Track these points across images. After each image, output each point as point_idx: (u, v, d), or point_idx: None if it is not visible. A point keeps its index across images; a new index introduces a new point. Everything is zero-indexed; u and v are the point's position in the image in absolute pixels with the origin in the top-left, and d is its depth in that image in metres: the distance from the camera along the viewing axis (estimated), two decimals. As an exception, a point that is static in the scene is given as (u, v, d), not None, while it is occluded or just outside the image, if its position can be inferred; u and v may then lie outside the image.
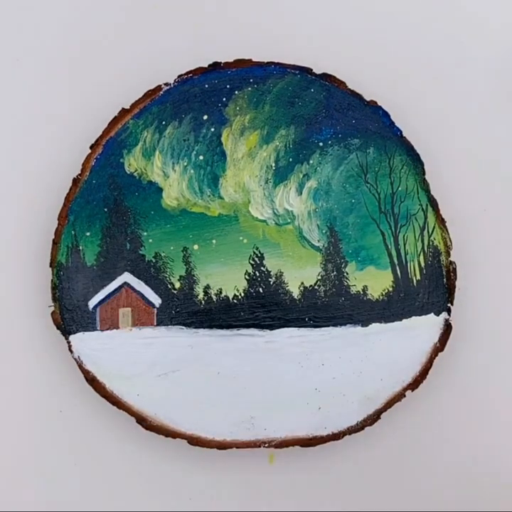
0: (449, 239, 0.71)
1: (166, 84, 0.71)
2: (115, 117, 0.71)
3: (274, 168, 0.71)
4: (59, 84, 0.74)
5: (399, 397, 0.71)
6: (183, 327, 0.71)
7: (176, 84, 0.71)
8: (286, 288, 0.71)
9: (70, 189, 0.71)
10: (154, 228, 0.71)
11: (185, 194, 0.71)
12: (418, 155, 0.71)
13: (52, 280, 0.70)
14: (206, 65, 0.71)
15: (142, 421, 0.70)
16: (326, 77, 0.71)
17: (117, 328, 0.71)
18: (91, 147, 0.71)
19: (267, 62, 0.71)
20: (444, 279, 0.71)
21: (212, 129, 0.71)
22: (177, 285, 0.71)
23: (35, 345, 0.73)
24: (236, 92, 0.71)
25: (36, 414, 0.73)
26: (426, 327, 0.71)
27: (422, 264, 0.71)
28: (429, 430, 0.73)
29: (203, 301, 0.71)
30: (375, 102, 0.71)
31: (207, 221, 0.71)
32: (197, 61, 0.71)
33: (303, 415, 0.71)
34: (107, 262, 0.71)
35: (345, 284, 0.71)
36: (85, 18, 0.74)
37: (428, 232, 0.71)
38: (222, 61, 0.71)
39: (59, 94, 0.74)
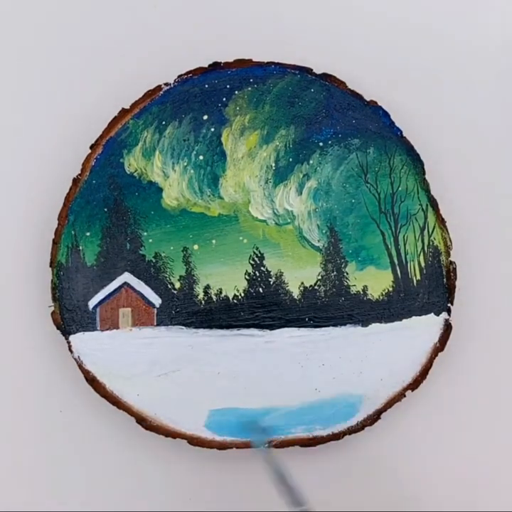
0: (449, 239, 0.71)
1: (166, 84, 0.71)
2: (115, 117, 0.71)
3: (274, 168, 0.71)
4: (59, 85, 0.74)
5: (399, 397, 0.71)
6: (183, 327, 0.71)
7: (175, 84, 0.71)
8: (286, 288, 0.71)
9: (70, 189, 0.71)
10: (154, 228, 0.71)
11: (185, 194, 0.71)
12: (418, 155, 0.71)
13: (52, 280, 0.70)
14: (206, 65, 0.71)
15: (142, 421, 0.70)
16: (326, 77, 0.71)
17: (117, 328, 0.71)
18: (91, 147, 0.71)
19: (267, 62, 0.71)
20: (444, 279, 0.71)
21: (212, 129, 0.71)
22: (177, 285, 0.71)
23: (35, 345, 0.73)
24: (236, 92, 0.71)
25: (36, 414, 0.73)
26: (426, 327, 0.71)
27: (422, 264, 0.71)
28: (429, 430, 0.73)
29: (203, 301, 0.71)
30: (375, 102, 0.71)
31: (207, 221, 0.71)
32: (197, 61, 0.71)
33: (303, 415, 0.71)
34: (107, 262, 0.71)
35: (346, 284, 0.71)
36: (85, 18, 0.74)
37: (428, 232, 0.71)
38: (222, 61, 0.71)
39: (59, 94, 0.74)
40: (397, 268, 0.71)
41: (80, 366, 0.70)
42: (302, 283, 0.71)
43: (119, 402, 0.70)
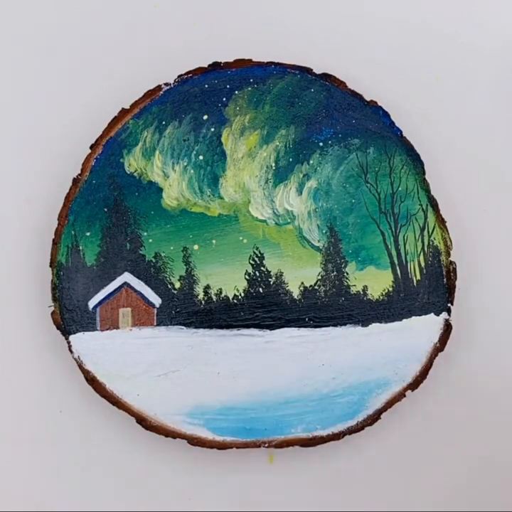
0: (449, 239, 0.71)
1: (166, 84, 0.71)
2: (115, 117, 0.71)
3: (274, 168, 0.71)
4: (59, 84, 0.74)
5: (399, 397, 0.71)
6: (183, 327, 0.71)
7: (175, 84, 0.71)
8: (286, 288, 0.71)
9: (70, 189, 0.71)
10: (154, 228, 0.71)
11: (185, 194, 0.71)
12: (418, 155, 0.71)
13: (52, 280, 0.70)
14: (206, 65, 0.71)
15: (142, 421, 0.70)
16: (326, 77, 0.71)
17: (117, 328, 0.71)
18: (91, 147, 0.71)
19: (267, 62, 0.71)
20: (444, 279, 0.71)
21: (213, 129, 0.71)
22: (177, 285, 0.71)
23: (35, 345, 0.73)
24: (236, 92, 0.71)
25: (36, 414, 0.73)
26: (426, 327, 0.71)
27: (422, 264, 0.71)
28: (429, 430, 0.73)
29: (203, 301, 0.71)
30: (375, 102, 0.71)
31: (207, 221, 0.71)
32: (197, 61, 0.71)
33: (303, 415, 0.71)
34: (107, 262, 0.71)
35: (346, 284, 0.71)
36: (85, 18, 0.74)
37: (428, 232, 0.71)
38: (222, 61, 0.71)
39: (59, 94, 0.74)
40: (397, 268, 0.71)
41: (80, 366, 0.70)
42: (302, 283, 0.71)
43: (119, 402, 0.70)
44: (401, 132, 0.71)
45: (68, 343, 0.70)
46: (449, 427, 0.73)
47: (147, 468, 0.73)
